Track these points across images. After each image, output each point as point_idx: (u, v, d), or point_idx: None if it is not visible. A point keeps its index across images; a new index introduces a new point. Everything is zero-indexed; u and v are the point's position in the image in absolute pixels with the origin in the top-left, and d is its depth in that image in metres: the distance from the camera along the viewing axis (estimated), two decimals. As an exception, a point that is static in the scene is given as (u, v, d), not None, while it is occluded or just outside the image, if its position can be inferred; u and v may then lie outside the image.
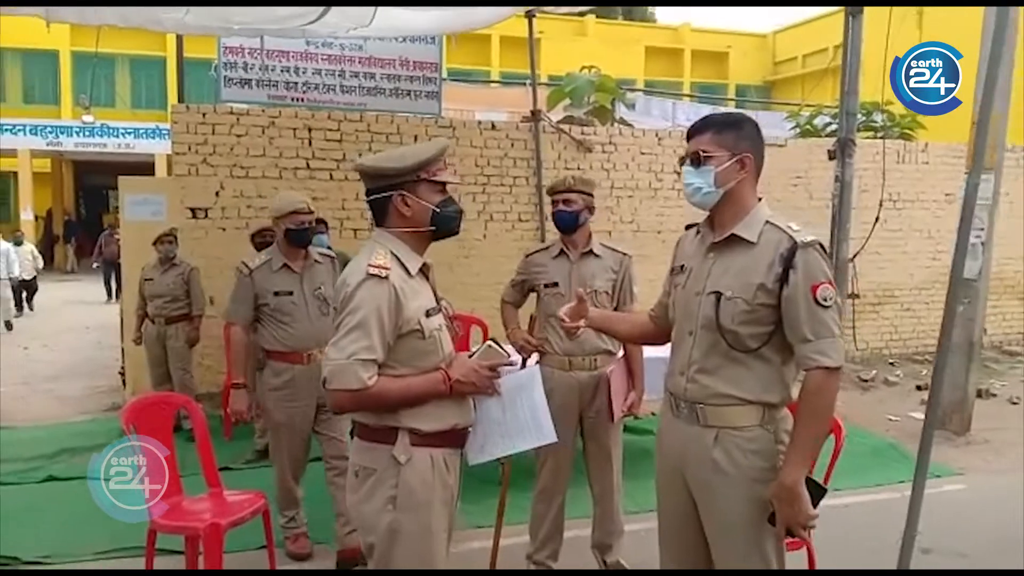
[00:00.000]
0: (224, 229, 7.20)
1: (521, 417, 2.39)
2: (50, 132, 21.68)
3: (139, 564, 3.70)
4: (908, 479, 5.34)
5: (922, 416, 6.92)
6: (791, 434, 2.25)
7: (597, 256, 3.72)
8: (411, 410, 2.22)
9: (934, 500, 5.15)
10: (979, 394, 7.72)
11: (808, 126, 11.78)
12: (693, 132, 2.41)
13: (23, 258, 13.77)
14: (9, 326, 11.71)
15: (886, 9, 8.38)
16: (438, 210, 2.34)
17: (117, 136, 21.74)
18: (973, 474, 5.73)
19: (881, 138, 10.05)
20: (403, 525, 2.20)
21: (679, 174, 3.32)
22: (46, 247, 21.58)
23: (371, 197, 2.35)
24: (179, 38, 8.12)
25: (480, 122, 8.32)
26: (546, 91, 10.84)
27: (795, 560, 3.38)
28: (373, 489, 2.23)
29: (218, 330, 6.61)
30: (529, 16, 7.85)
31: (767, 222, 2.30)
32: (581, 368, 3.64)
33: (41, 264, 12.92)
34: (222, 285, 6.52)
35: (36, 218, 22.76)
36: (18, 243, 13.99)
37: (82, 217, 26.58)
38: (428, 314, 2.28)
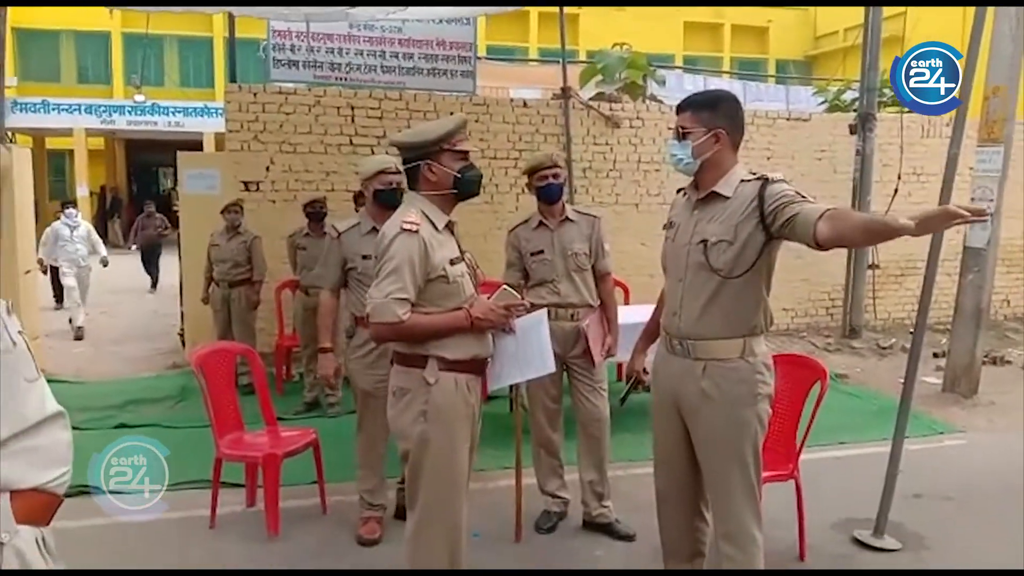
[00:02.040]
0: (274, 201, 7.73)
1: (530, 351, 2.86)
2: (103, 111, 22.43)
3: (205, 495, 4.21)
4: (911, 435, 5.74)
5: (934, 381, 7.34)
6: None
7: (573, 222, 4.14)
8: (438, 341, 2.69)
9: (933, 453, 5.57)
10: (993, 361, 8.00)
11: (836, 101, 11.96)
12: (678, 110, 2.85)
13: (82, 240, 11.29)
14: (79, 334, 9.57)
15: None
16: (459, 175, 2.76)
17: (167, 115, 22.48)
18: (974, 432, 6.04)
19: (908, 112, 10.22)
20: (432, 435, 2.67)
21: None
22: (100, 222, 22.43)
23: (406, 166, 2.81)
24: (231, 20, 8.63)
25: (512, 100, 8.73)
26: (579, 68, 11.19)
27: (781, 493, 3.80)
28: (408, 405, 2.71)
29: (272, 294, 7.17)
30: (560, 8, 8.20)
31: (742, 180, 2.71)
32: (564, 319, 4.05)
33: (103, 249, 10.79)
34: (272, 253, 7.07)
35: (90, 194, 23.64)
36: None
37: (133, 194, 27.50)
38: (452, 263, 2.73)
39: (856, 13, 26.36)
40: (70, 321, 9.82)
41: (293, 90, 7.90)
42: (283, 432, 4.43)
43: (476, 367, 2.79)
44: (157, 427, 5.90)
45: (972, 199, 6.72)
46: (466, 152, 2.79)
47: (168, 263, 12.47)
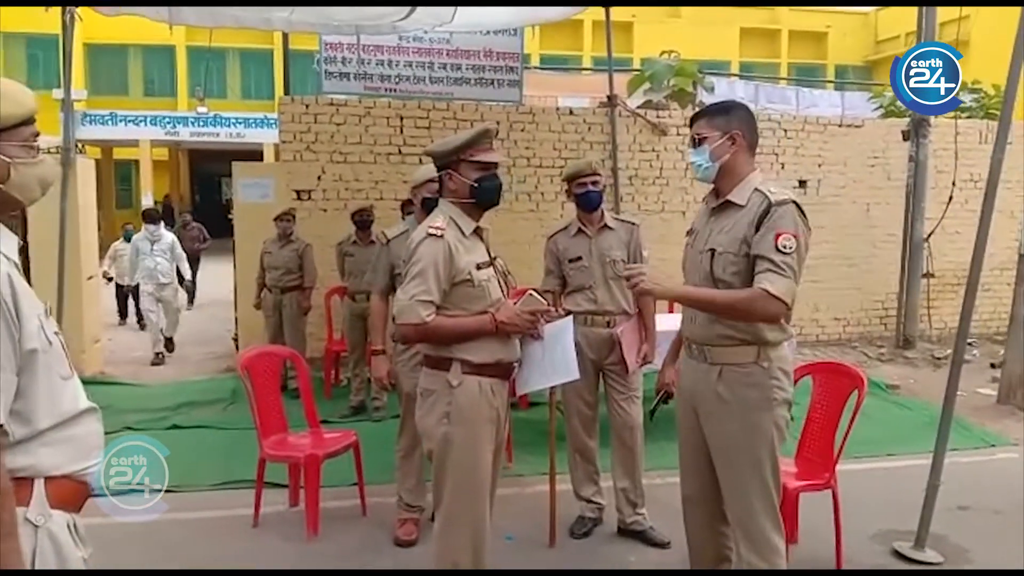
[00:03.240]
0: (325, 210, 7.93)
1: (556, 358, 2.91)
2: (168, 122, 23.16)
3: (249, 495, 4.33)
4: (961, 447, 5.63)
5: (990, 392, 7.15)
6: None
7: (611, 229, 4.16)
8: (463, 344, 2.76)
9: (984, 466, 5.43)
10: (1054, 372, 7.73)
11: (892, 106, 11.74)
12: (692, 121, 2.92)
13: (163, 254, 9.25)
14: (160, 358, 8.72)
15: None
16: (475, 184, 2.83)
17: (228, 126, 23.10)
18: (1028, 445, 5.88)
19: (966, 117, 10.01)
20: (455, 436, 2.75)
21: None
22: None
23: (438, 173, 2.90)
24: (285, 34, 8.87)
25: (558, 108, 8.79)
26: (629, 77, 11.20)
27: (821, 504, 3.76)
28: (432, 406, 2.79)
29: (322, 300, 7.34)
30: (606, 6, 8.23)
31: (756, 189, 2.73)
32: (600, 325, 4.08)
33: (185, 266, 9.66)
34: (322, 260, 7.24)
35: (155, 203, 24.42)
36: (127, 237, 10.17)
37: (196, 203, 28.30)
38: (479, 267, 2.80)
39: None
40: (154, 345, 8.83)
41: (344, 101, 8.09)
42: (325, 434, 4.55)
43: (501, 371, 2.85)
44: (208, 428, 6.11)
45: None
46: (487, 163, 2.85)
47: (215, 272, 12.69)
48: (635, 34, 25.91)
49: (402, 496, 4.18)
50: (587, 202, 4.12)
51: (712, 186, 2.89)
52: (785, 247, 2.58)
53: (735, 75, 18.80)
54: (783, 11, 30.37)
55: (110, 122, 22.62)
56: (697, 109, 10.08)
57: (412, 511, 4.17)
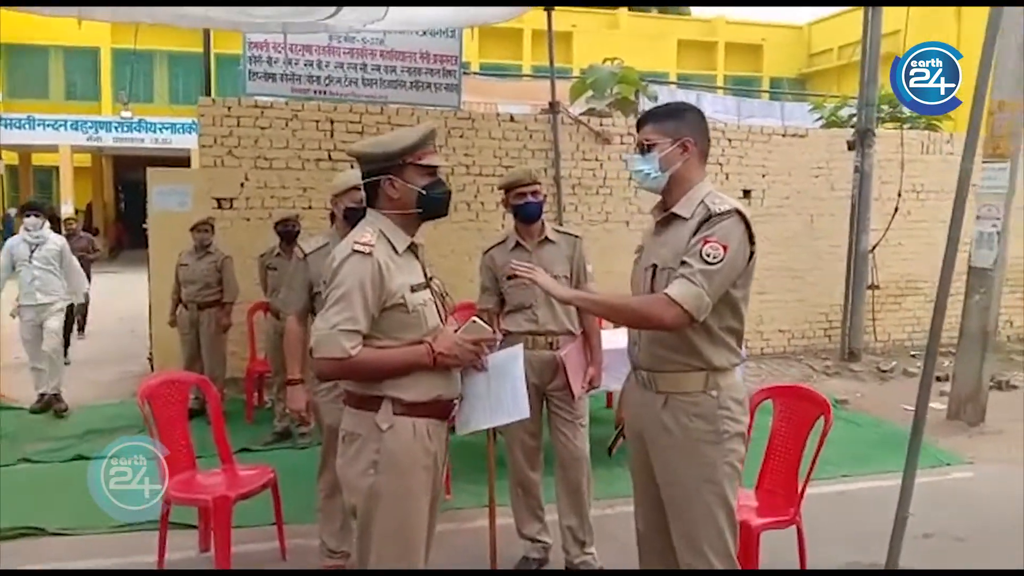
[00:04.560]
0: (248, 219, 7.42)
1: (503, 393, 2.52)
2: (90, 128, 22.23)
3: (153, 538, 3.82)
4: (919, 467, 5.44)
5: (939, 407, 7.02)
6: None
7: (553, 243, 3.82)
8: (395, 380, 2.35)
9: (941, 487, 5.23)
10: (999, 385, 7.68)
11: (833, 117, 11.73)
12: (639, 125, 2.61)
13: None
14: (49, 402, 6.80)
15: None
16: (424, 192, 2.43)
17: (154, 131, 22.26)
18: (982, 463, 5.71)
19: (908, 128, 9.98)
20: (383, 488, 2.32)
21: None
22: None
23: (365, 181, 2.48)
24: (206, 34, 8.35)
25: (498, 114, 8.45)
26: (571, 84, 10.92)
27: (785, 539, 3.47)
28: (357, 453, 2.36)
29: (244, 317, 6.83)
30: (548, 10, 7.93)
31: (702, 201, 2.45)
32: (542, 347, 3.72)
33: (81, 283, 7.28)
34: (245, 273, 6.75)
35: (76, 211, 23.36)
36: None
37: (122, 211, 27.21)
38: (413, 289, 2.39)
39: (850, 31, 26.36)
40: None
41: (270, 103, 7.61)
42: (240, 470, 4.07)
43: (439, 410, 2.45)
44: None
45: (978, 217, 6.44)
46: (434, 167, 2.47)
47: (136, 283, 11.79)
48: (575, 44, 25.82)
49: (325, 541, 3.75)
50: (526, 213, 3.77)
51: (659, 197, 2.61)
52: (708, 255, 2.32)
53: (676, 84, 18.74)
54: (720, 24, 30.88)
55: (28, 126, 21.63)
56: (641, 111, 9.86)
57: (336, 556, 3.73)
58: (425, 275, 2.52)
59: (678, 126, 2.51)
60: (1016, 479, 5.26)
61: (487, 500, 3.86)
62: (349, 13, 5.82)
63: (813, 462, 3.48)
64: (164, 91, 26.51)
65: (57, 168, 23.62)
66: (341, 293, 2.29)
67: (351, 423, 2.41)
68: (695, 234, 2.38)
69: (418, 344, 2.38)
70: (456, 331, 2.47)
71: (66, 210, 22.23)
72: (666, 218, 2.53)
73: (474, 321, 2.50)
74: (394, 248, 2.42)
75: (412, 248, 2.50)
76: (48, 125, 21.83)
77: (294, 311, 3.77)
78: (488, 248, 3.98)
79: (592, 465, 3.86)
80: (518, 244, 3.84)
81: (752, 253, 2.43)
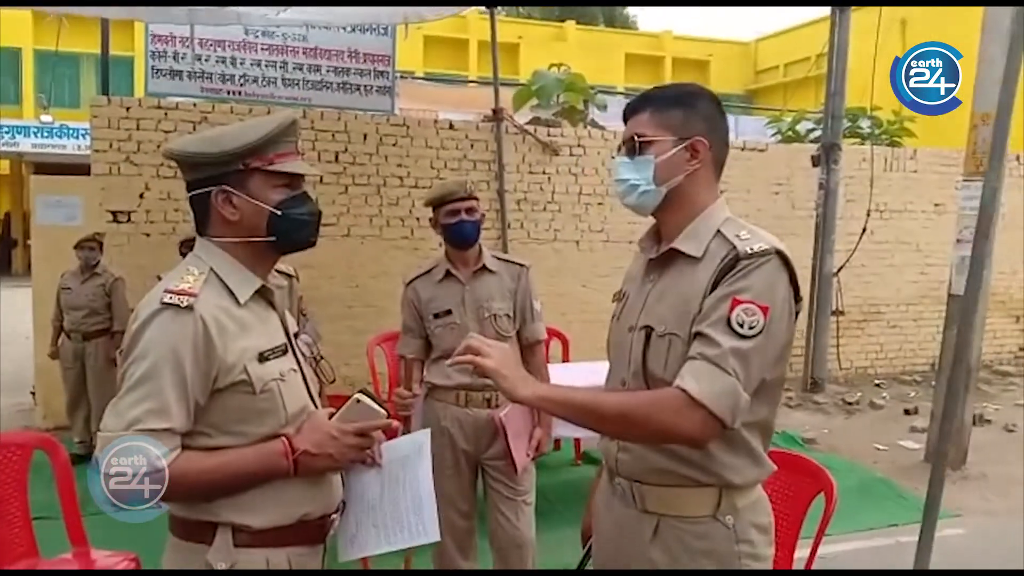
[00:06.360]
0: (148, 235, 6.53)
1: (402, 503, 1.75)
2: (7, 132, 20.86)
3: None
4: (903, 522, 4.89)
5: (913, 445, 6.48)
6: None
7: (492, 272, 3.12)
8: (234, 498, 1.57)
9: (933, 548, 4.60)
10: (973, 421, 7.16)
11: (791, 132, 11.26)
12: (631, 111, 1.77)
13: None
14: None
15: (871, 15, 7.89)
16: (277, 212, 1.66)
17: (76, 137, 20.94)
18: (972, 516, 5.16)
19: (871, 144, 9.53)
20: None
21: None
22: (4, 251, 20.77)
23: (190, 193, 1.69)
24: (104, 31, 7.44)
25: (436, 121, 7.70)
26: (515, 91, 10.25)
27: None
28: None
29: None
30: (490, 8, 7.25)
31: (719, 231, 1.67)
32: (478, 404, 3.02)
33: None
34: (141, 297, 5.86)
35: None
36: None
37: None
38: (264, 358, 1.61)
39: (797, 47, 26.17)
40: None
41: (175, 104, 6.73)
42: (95, 557, 3.23)
43: (308, 534, 1.67)
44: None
45: (958, 240, 5.90)
46: (293, 175, 1.69)
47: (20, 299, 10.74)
48: (521, 55, 25.26)
49: None
50: (459, 236, 3.05)
51: (652, 220, 1.82)
52: (741, 324, 1.53)
53: (623, 94, 18.26)
54: (667, 39, 30.76)
55: (-62, 130, 20.20)
56: (591, 126, 9.15)
57: None
58: (287, 333, 1.74)
59: (687, 118, 1.70)
60: (1013, 536, 4.71)
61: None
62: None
63: (813, 550, 2.79)
64: (91, 96, 25.17)
65: (-28, 175, 22.21)
66: (143, 372, 1.51)
67: (175, 560, 1.61)
68: (715, 286, 1.59)
69: (271, 440, 1.60)
70: (332, 416, 1.69)
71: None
72: (665, 256, 1.73)
73: (358, 401, 1.70)
74: (233, 296, 1.64)
75: (264, 294, 1.72)
76: (-38, 129, 20.48)
77: None
78: (411, 279, 3.22)
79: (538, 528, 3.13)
80: (448, 274, 3.11)
81: (798, 313, 1.69)
